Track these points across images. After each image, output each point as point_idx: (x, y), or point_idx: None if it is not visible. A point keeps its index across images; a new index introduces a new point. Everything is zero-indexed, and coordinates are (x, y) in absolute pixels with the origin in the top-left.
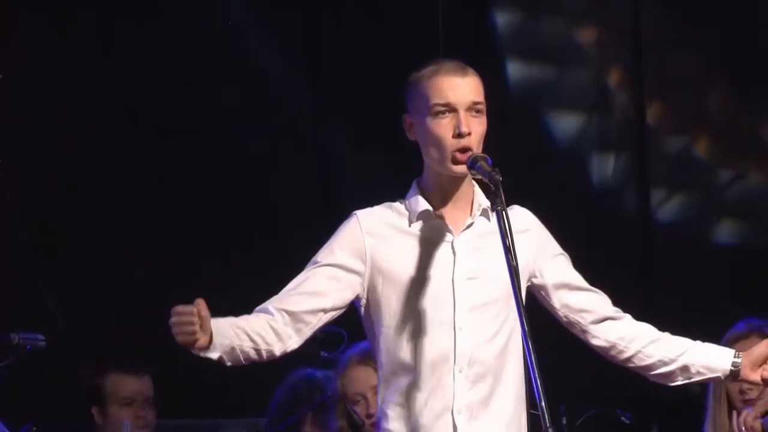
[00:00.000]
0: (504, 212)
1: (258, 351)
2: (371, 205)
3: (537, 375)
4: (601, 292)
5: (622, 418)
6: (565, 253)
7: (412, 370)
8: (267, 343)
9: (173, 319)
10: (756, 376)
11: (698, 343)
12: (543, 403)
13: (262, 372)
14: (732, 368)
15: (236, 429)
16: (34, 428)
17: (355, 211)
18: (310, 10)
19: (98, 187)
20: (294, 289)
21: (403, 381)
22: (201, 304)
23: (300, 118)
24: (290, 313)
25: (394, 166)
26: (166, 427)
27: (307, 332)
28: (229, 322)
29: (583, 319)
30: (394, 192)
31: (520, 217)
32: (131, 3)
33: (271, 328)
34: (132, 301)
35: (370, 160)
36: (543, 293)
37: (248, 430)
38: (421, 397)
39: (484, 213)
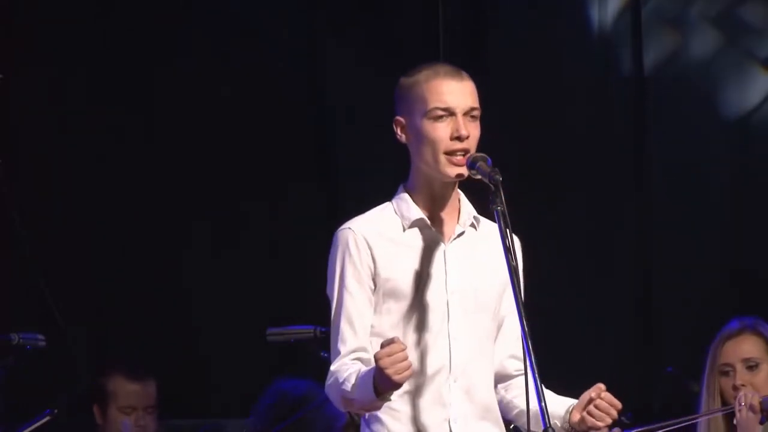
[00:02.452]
0: (504, 213)
1: None
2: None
3: (537, 375)
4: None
5: (622, 418)
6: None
7: (412, 380)
8: None
9: (387, 360)
10: (576, 418)
11: (554, 395)
12: (543, 404)
13: (262, 372)
14: (566, 414)
15: (236, 429)
16: None
17: (347, 226)
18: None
19: (99, 187)
20: (354, 331)
21: (403, 389)
22: (399, 340)
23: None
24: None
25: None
26: (166, 427)
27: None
28: None
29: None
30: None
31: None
32: (130, 1)
33: None
34: (134, 301)
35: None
36: None
37: (248, 430)
38: (420, 405)
39: (472, 222)
